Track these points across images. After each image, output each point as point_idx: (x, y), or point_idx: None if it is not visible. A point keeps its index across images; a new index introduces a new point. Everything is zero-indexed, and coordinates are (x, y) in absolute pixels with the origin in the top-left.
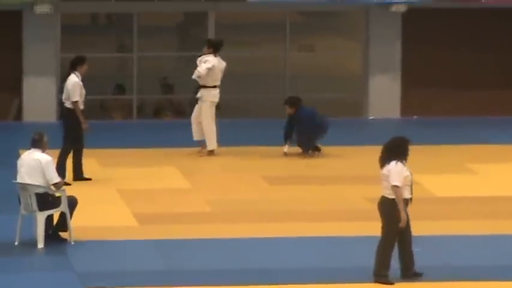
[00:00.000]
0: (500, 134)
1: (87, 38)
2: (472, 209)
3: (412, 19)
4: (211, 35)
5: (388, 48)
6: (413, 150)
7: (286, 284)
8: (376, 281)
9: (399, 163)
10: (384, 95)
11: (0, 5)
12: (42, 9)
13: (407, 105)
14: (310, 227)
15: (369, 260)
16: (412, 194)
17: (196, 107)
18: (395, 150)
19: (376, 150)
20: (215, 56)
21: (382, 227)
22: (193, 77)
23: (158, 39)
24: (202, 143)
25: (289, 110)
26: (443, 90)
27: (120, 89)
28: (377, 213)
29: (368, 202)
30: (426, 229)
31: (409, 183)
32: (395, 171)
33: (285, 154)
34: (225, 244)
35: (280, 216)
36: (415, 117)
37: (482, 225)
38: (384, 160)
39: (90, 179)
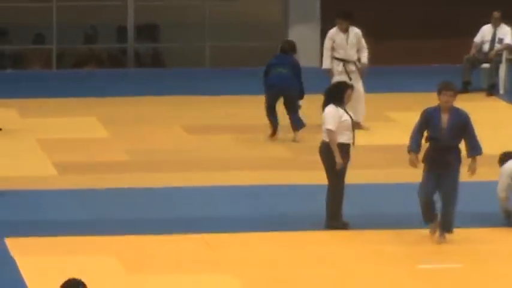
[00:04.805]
0: (417, 83)
1: None
2: (390, 157)
3: None
4: None
5: None
6: None
7: (205, 232)
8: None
9: (333, 106)
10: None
11: None
12: None
13: None
14: (227, 175)
15: (286, 208)
16: (354, 139)
17: None
18: (332, 95)
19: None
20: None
21: (327, 174)
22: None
23: None
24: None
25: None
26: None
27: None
28: (290, 163)
29: (286, 150)
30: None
31: (349, 128)
32: (329, 114)
33: None
34: (144, 193)
35: (200, 165)
36: None
37: (401, 173)
38: (324, 105)
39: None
